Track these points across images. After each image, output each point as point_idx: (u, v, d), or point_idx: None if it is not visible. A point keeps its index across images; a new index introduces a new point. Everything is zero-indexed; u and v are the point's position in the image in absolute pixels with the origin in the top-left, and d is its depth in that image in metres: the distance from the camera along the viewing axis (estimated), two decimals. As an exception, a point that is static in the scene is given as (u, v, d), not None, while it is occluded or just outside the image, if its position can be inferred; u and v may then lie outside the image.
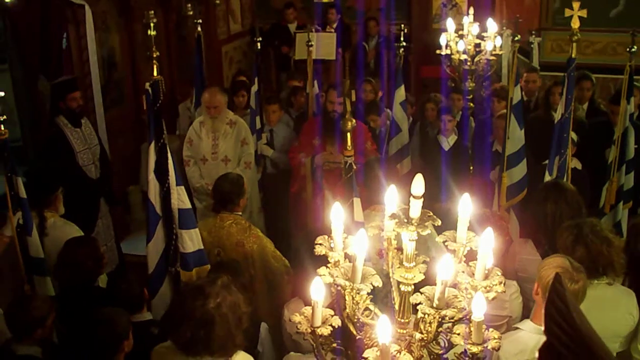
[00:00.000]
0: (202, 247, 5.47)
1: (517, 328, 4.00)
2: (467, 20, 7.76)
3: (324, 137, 7.39)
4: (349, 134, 4.61)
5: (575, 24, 5.90)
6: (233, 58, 13.09)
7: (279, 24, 12.99)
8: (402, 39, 8.43)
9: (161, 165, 5.32)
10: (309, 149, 7.54)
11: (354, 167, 4.72)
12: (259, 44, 8.56)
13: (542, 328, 3.59)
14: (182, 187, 5.47)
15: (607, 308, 4.21)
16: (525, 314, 4.60)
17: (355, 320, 2.54)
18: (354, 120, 4.68)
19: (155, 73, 5.18)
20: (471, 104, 7.82)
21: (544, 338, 1.85)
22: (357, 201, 4.83)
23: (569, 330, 1.74)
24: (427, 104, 8.55)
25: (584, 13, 5.94)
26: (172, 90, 10.40)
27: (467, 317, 2.44)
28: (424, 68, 12.50)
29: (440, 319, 2.42)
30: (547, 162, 6.29)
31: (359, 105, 7.79)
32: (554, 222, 4.83)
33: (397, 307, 2.52)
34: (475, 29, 7.63)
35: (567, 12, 6.03)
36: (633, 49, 6.45)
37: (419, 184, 2.36)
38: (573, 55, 5.97)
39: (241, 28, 13.31)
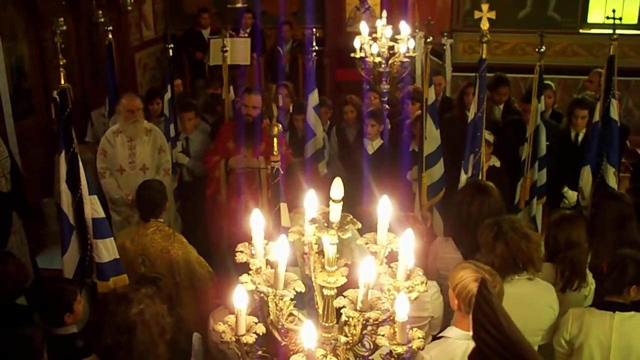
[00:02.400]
0: (117, 256, 5.38)
1: (442, 337, 3.99)
2: (381, 23, 7.84)
3: (240, 140, 7.33)
4: (275, 139, 4.58)
5: (485, 25, 6.02)
6: (147, 65, 12.88)
7: (192, 30, 12.86)
8: (314, 43, 8.43)
9: (73, 174, 5.23)
10: (224, 153, 7.48)
11: (281, 172, 4.70)
12: (171, 51, 8.44)
13: (469, 333, 3.64)
14: (95, 197, 5.38)
15: (528, 303, 4.30)
16: (447, 313, 4.64)
17: (280, 326, 2.52)
18: (280, 126, 4.66)
19: (62, 81, 5.07)
20: (387, 106, 7.89)
21: (471, 343, 1.86)
22: (284, 206, 4.82)
23: (497, 336, 1.76)
24: (345, 106, 8.48)
25: (493, 15, 6.05)
26: (84, 99, 10.16)
27: (391, 318, 2.45)
28: (340, 71, 12.57)
29: (364, 322, 2.42)
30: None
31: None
32: (476, 221, 4.89)
33: (320, 311, 2.52)
34: (388, 31, 7.70)
35: (477, 14, 6.14)
36: (542, 49, 6.62)
37: (337, 187, 2.35)
38: (484, 56, 6.08)
39: (154, 34, 13.11)
